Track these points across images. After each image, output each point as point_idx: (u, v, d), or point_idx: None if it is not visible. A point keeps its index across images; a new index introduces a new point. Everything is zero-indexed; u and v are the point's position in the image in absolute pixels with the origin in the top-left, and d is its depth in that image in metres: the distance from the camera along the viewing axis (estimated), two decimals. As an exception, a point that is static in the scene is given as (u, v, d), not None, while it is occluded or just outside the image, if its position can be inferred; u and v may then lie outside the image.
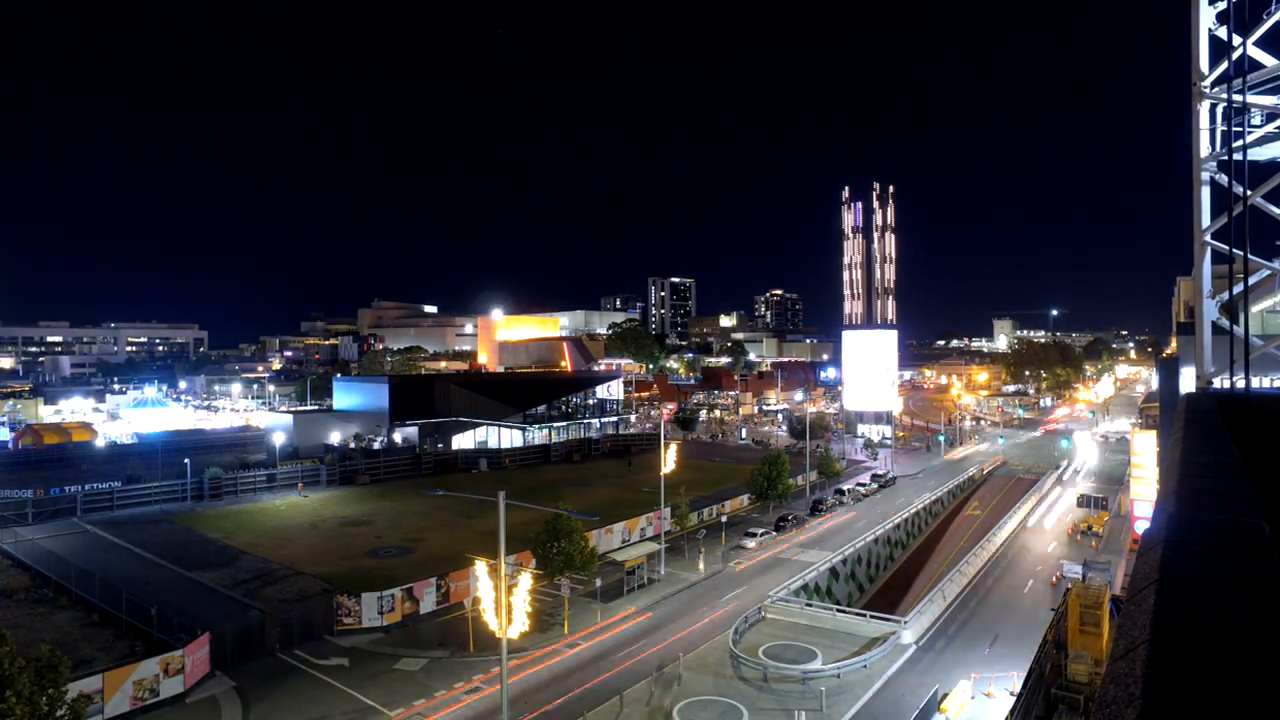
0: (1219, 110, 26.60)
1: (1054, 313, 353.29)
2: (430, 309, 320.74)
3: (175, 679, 33.35)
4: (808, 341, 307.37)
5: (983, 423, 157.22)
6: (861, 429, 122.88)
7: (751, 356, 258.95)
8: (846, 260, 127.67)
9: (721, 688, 34.58)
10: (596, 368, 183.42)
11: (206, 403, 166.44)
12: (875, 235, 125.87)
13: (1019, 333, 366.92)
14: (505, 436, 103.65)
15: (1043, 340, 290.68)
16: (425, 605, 44.06)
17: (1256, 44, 25.70)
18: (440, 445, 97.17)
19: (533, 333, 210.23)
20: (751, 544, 58.96)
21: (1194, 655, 2.71)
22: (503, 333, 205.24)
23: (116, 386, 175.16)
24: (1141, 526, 53.87)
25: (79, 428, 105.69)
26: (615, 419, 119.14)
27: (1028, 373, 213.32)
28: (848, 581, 55.68)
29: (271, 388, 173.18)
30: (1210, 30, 26.71)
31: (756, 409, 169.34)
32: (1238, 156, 24.17)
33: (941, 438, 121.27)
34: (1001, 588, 53.25)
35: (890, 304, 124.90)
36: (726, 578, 52.57)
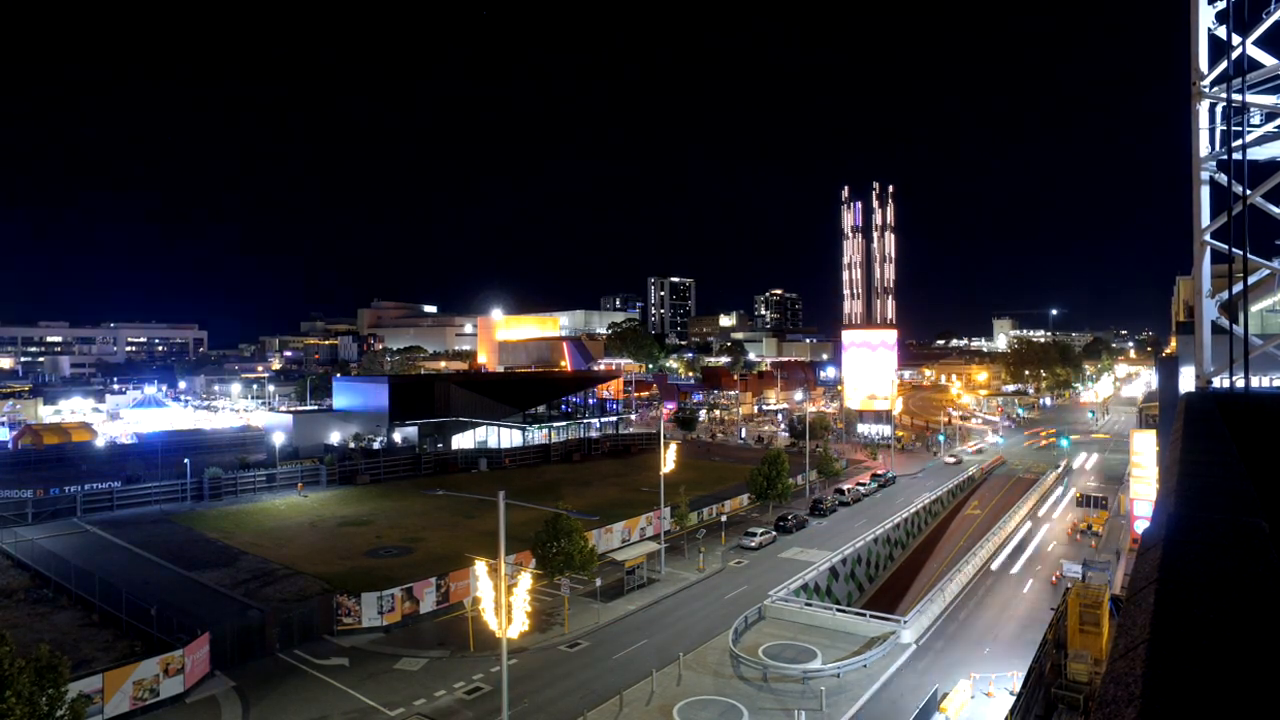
0: (1218, 110, 26.61)
1: (1054, 312, 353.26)
2: (430, 309, 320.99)
3: (175, 679, 33.34)
4: (807, 341, 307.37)
5: (975, 420, 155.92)
6: (861, 428, 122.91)
7: (751, 356, 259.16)
8: (846, 260, 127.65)
9: (721, 687, 34.59)
10: (596, 367, 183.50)
11: (206, 403, 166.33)
12: (875, 235, 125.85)
13: (1019, 332, 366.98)
14: (505, 436, 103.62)
15: (1043, 340, 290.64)
16: (425, 605, 44.05)
17: (1256, 43, 25.72)
18: (440, 445, 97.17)
19: (532, 332, 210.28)
20: (751, 543, 58.97)
21: (1194, 655, 2.71)
22: (502, 332, 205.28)
23: (116, 386, 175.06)
24: (1141, 526, 53.91)
25: (78, 428, 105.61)
26: (615, 419, 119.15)
27: (1027, 372, 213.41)
28: (847, 581, 55.70)
29: (271, 388, 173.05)
30: (1210, 30, 26.73)
31: (756, 409, 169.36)
32: (1237, 156, 24.19)
33: (941, 437, 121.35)
34: (1001, 587, 53.27)
35: (890, 303, 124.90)
36: (726, 577, 52.58)
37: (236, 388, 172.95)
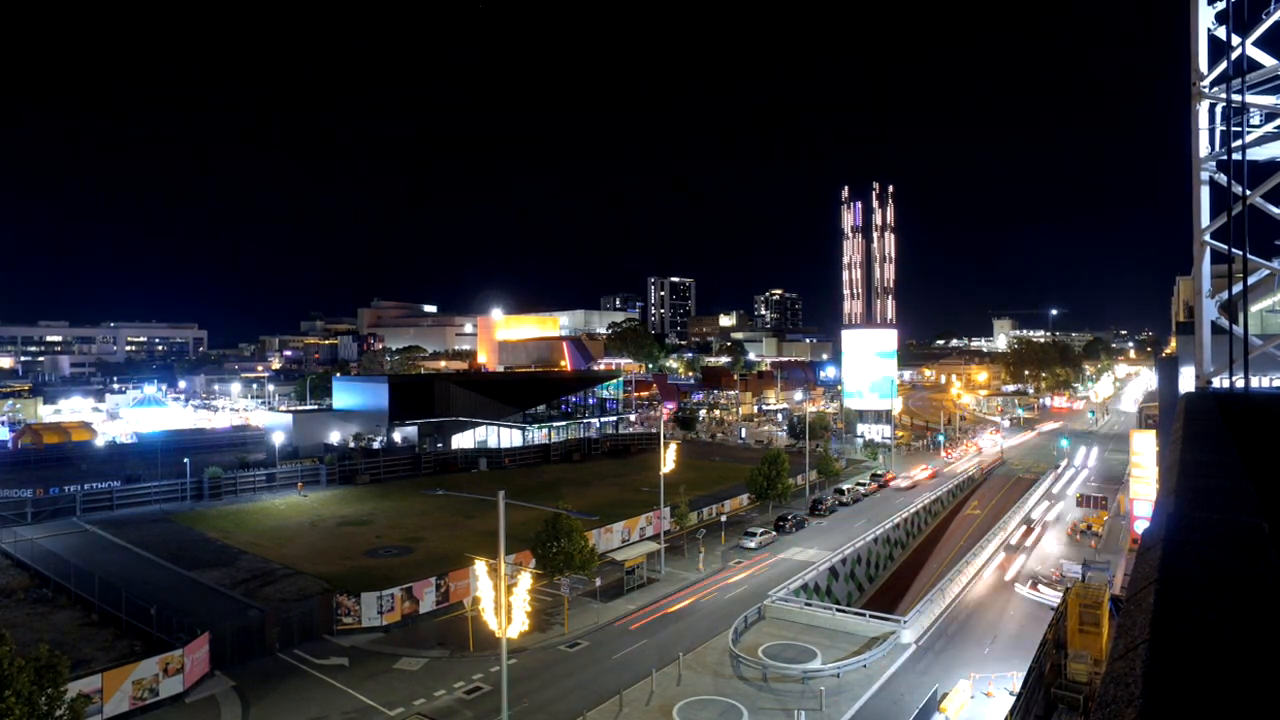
0: (1218, 110, 26.60)
1: (1054, 312, 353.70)
2: (430, 309, 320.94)
3: (175, 678, 33.35)
4: (807, 341, 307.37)
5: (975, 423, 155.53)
6: (861, 429, 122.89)
7: (751, 356, 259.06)
8: (846, 260, 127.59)
9: (721, 687, 34.60)
10: (596, 367, 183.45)
11: (206, 402, 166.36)
12: (875, 235, 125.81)
13: (1019, 332, 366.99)
14: (505, 436, 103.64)
15: (1042, 340, 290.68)
16: (425, 605, 44.07)
17: (1256, 44, 25.70)
18: (440, 445, 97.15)
19: (532, 332, 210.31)
20: (751, 543, 58.97)
21: (1194, 655, 2.71)
22: (502, 332, 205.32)
23: (116, 386, 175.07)
24: (1141, 526, 53.89)
25: (78, 427, 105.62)
26: (615, 419, 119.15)
27: (1027, 372, 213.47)
28: (847, 581, 55.71)
29: (271, 387, 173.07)
30: (1209, 30, 26.71)
31: (756, 409, 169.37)
32: (1237, 156, 24.18)
33: (941, 437, 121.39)
34: (1001, 587, 53.24)
35: (890, 303, 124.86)
36: (726, 577, 52.59)
37: (236, 387, 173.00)
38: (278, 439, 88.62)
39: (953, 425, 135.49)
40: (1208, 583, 3.57)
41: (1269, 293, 35.14)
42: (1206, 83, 26.47)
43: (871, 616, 42.10)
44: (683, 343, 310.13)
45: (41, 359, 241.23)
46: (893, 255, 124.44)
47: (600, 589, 46.91)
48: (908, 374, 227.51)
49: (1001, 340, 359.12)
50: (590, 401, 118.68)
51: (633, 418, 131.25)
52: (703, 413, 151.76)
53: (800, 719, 31.49)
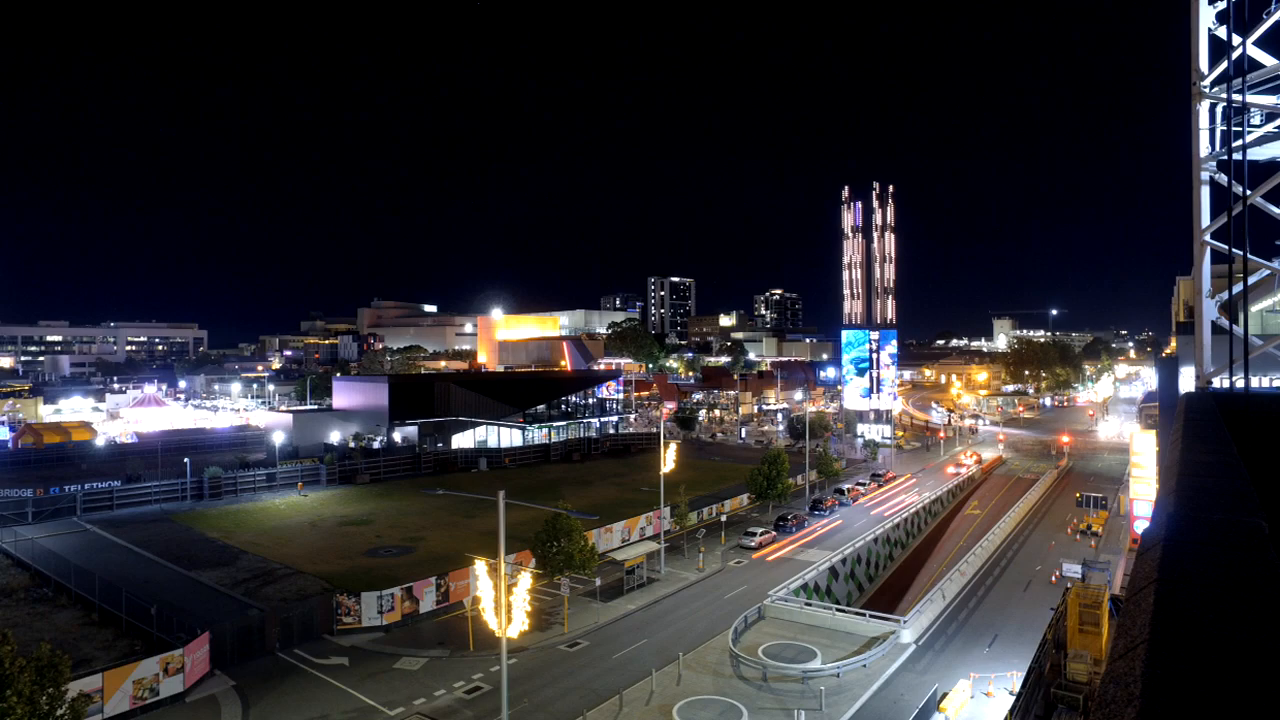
0: (1219, 110, 26.60)
1: (1054, 312, 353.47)
2: (430, 309, 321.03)
3: (175, 678, 33.35)
4: (807, 341, 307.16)
5: (979, 421, 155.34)
6: (861, 429, 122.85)
7: (751, 356, 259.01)
8: (846, 260, 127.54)
9: (721, 687, 34.59)
10: (596, 367, 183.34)
11: (206, 402, 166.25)
12: (875, 235, 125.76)
13: (1019, 332, 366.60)
14: (505, 436, 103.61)
15: (1042, 340, 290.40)
16: (425, 605, 44.06)
17: (1256, 44, 25.70)
18: (440, 445, 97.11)
19: (532, 332, 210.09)
20: (751, 543, 58.98)
21: (1194, 655, 2.71)
22: (502, 332, 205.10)
23: (116, 386, 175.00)
24: (1141, 526, 53.91)
25: (78, 427, 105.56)
26: (615, 418, 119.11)
27: (1027, 372, 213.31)
28: (847, 581, 55.69)
29: (271, 387, 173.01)
30: (1210, 30, 26.70)
31: (756, 408, 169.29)
32: (1237, 156, 24.17)
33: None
34: (1001, 587, 53.27)
35: (890, 303, 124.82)
36: (726, 577, 52.58)
37: (236, 387, 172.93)
38: (278, 439, 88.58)
39: (951, 425, 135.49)
40: (1208, 583, 3.58)
41: (1269, 293, 35.13)
42: (1207, 83, 26.47)
43: (871, 616, 42.08)
44: (683, 343, 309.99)
45: (41, 359, 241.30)
46: (893, 255, 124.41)
47: (600, 589, 46.90)
48: (908, 374, 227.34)
49: (1001, 340, 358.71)
50: (590, 401, 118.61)
51: (632, 418, 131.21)
52: (702, 413, 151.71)
53: (800, 719, 31.50)
